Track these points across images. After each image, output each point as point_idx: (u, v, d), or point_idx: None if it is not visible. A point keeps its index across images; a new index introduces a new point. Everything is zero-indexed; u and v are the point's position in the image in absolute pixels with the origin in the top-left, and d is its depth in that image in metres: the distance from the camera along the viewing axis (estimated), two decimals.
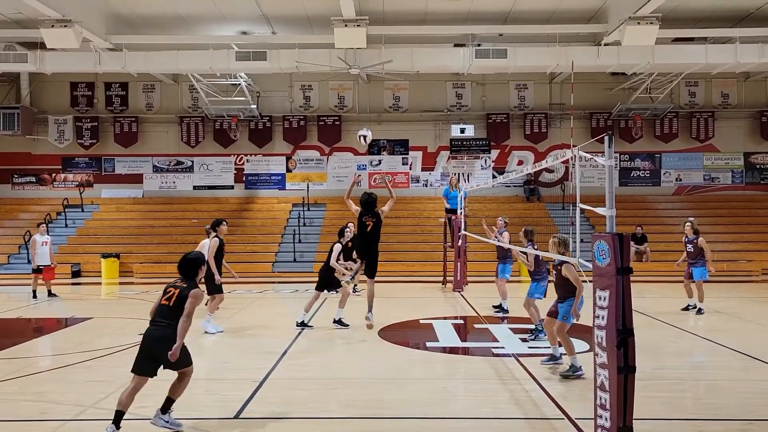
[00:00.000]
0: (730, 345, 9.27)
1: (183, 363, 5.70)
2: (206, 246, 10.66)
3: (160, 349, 5.56)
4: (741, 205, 24.90)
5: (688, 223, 12.83)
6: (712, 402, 6.73)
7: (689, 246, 12.67)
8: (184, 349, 5.70)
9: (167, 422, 5.78)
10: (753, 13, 18.98)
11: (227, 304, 13.77)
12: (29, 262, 15.34)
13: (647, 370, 7.56)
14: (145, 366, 5.66)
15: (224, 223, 10.84)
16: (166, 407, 5.81)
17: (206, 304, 10.33)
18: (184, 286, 5.75)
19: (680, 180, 25.84)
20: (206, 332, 10.29)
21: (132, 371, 5.69)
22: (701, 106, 25.74)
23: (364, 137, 10.47)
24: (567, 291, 7.58)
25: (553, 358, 8.07)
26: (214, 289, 10.52)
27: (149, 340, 5.68)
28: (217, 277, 10.44)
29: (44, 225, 16.43)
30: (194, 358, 7.74)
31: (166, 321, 5.66)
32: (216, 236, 10.61)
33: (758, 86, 25.61)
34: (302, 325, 10.86)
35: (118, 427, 5.49)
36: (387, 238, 23.09)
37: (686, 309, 12.66)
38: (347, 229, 12.45)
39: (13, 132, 24.48)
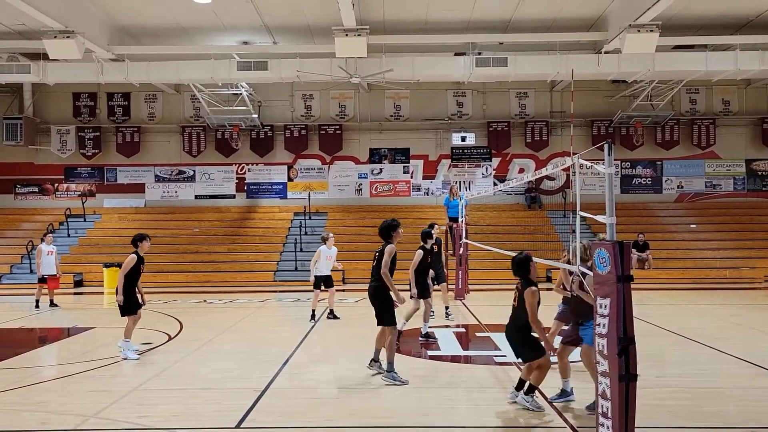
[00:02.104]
0: (733, 352, 9.24)
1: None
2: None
3: None
4: (743, 212, 24.88)
5: None
6: (715, 410, 6.70)
7: None
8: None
9: (528, 402, 6.45)
10: (753, 21, 19.02)
11: (229, 314, 13.79)
12: (32, 272, 15.34)
13: (649, 378, 7.54)
14: None
15: (147, 239, 9.76)
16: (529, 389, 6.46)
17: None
18: None
19: (682, 187, 25.84)
20: (125, 359, 9.18)
21: None
22: (702, 113, 25.77)
23: None
24: (587, 310, 6.19)
25: (565, 394, 6.92)
26: (126, 310, 9.46)
27: None
28: (118, 297, 9.35)
29: (50, 235, 16.47)
30: (196, 368, 7.77)
31: None
32: (135, 252, 9.60)
33: (759, 93, 25.65)
34: (426, 336, 10.68)
35: None
36: None
37: None
38: (433, 230, 11.73)
39: (16, 142, 24.60)
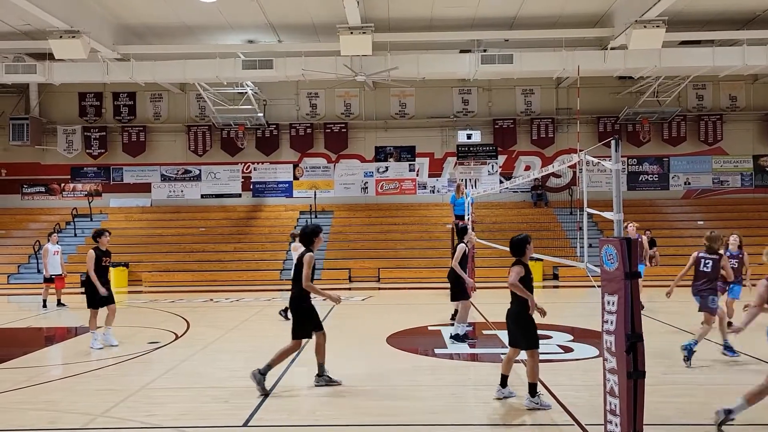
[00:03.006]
0: (741, 349, 9.18)
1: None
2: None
3: None
4: (751, 208, 24.76)
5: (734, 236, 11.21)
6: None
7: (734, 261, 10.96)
8: None
9: (537, 404, 6.44)
10: (760, 15, 18.91)
11: (235, 313, 13.81)
12: (39, 271, 15.41)
13: (657, 375, 7.51)
14: None
15: (106, 234, 10.29)
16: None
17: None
18: None
19: (689, 183, 25.73)
20: (92, 348, 9.83)
21: None
22: (709, 109, 25.64)
23: None
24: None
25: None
26: (95, 303, 10.05)
27: None
28: (101, 289, 9.92)
29: (55, 234, 16.50)
30: (203, 367, 7.79)
31: None
32: (97, 247, 10.12)
33: (766, 88, 25.50)
34: (458, 338, 10.18)
35: None
36: (394, 245, 23.19)
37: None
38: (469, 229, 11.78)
39: (23, 142, 24.71)
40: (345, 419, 6.32)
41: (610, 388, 4.92)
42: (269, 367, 7.25)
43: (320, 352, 7.54)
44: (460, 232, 10.85)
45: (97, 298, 10.03)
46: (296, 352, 7.73)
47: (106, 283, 10.17)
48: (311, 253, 7.37)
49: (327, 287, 15.45)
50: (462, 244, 10.78)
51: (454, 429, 6.07)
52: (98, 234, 10.30)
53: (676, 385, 7.43)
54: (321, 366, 7.59)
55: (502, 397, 6.84)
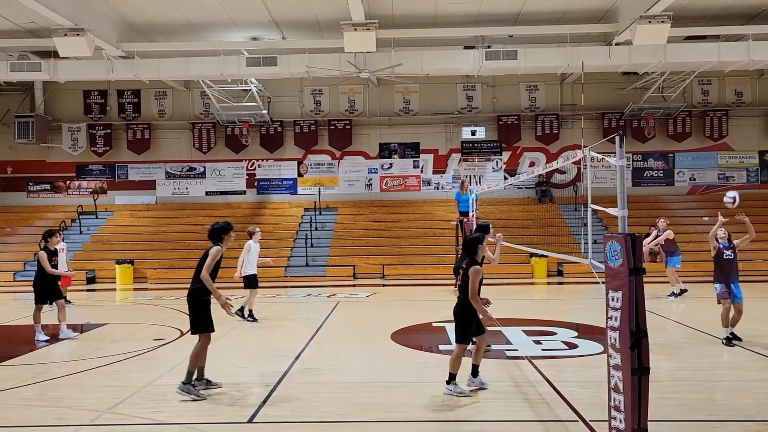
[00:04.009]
0: (745, 345, 9.17)
1: None
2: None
3: None
4: (756, 204, 24.62)
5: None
6: (728, 403, 6.66)
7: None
8: None
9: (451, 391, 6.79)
10: (765, 10, 18.80)
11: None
12: None
13: (662, 372, 7.50)
14: None
15: (57, 233, 11.09)
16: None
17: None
18: None
19: (694, 179, 25.66)
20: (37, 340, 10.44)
21: None
22: (715, 105, 25.55)
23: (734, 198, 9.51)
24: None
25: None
26: (43, 299, 10.81)
27: None
28: (57, 271, 10.87)
29: (60, 232, 16.50)
30: (207, 363, 7.81)
31: None
32: (46, 247, 10.86)
33: None
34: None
35: None
36: (399, 241, 23.20)
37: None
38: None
39: (28, 140, 24.79)
40: (350, 415, 6.34)
41: (614, 384, 4.92)
42: (190, 374, 7.06)
43: (201, 355, 7.17)
44: (481, 229, 9.86)
45: (43, 293, 10.73)
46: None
47: (53, 281, 10.90)
48: (218, 248, 7.23)
49: (331, 283, 15.53)
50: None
51: (458, 425, 6.08)
52: (49, 234, 10.99)
53: (680, 381, 7.42)
54: (201, 370, 7.21)
55: (474, 387, 7.06)
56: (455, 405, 6.66)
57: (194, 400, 6.80)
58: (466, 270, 7.01)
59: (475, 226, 9.71)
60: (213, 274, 7.20)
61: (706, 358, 8.88)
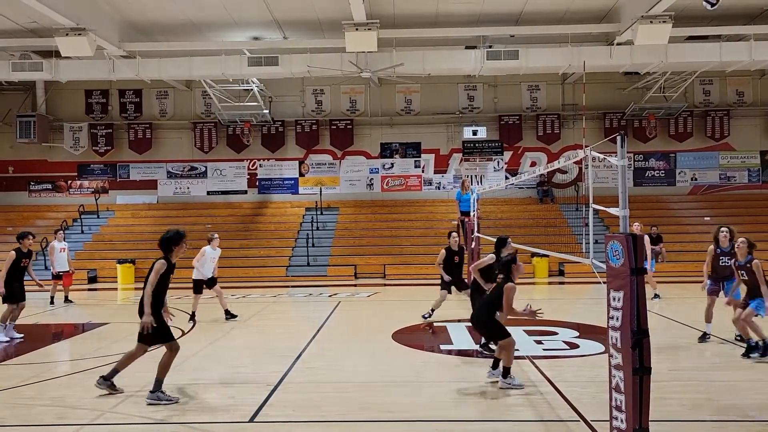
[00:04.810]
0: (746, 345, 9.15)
1: None
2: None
3: None
4: (758, 204, 24.65)
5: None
6: (730, 403, 6.65)
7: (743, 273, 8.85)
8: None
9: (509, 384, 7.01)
10: (767, 10, 18.78)
11: (242, 309, 13.83)
12: (46, 268, 15.51)
13: (663, 371, 7.49)
14: None
15: (29, 236, 11.31)
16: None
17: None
18: None
19: (696, 179, 25.64)
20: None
21: None
22: (716, 105, 25.53)
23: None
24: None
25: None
26: (6, 298, 10.84)
27: None
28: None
29: (61, 231, 16.54)
30: (208, 363, 7.84)
31: None
32: (18, 248, 11.03)
33: None
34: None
35: None
36: (400, 241, 23.19)
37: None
38: (450, 238, 12.38)
39: (30, 140, 24.79)
40: (351, 415, 6.34)
41: (615, 384, 4.92)
42: (113, 372, 7.07)
43: (166, 366, 6.85)
44: (499, 243, 9.02)
45: (12, 293, 10.77)
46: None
47: (21, 284, 10.97)
48: (163, 261, 6.97)
49: (333, 283, 15.46)
50: (492, 255, 9.13)
51: (458, 424, 6.08)
52: (22, 236, 11.24)
53: (682, 381, 7.41)
54: (159, 382, 6.78)
55: (494, 378, 7.32)
56: (456, 405, 6.67)
57: (167, 405, 6.61)
58: (500, 285, 7.31)
59: (496, 241, 9.04)
60: (164, 287, 7.01)
61: (707, 358, 8.88)
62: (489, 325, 7.41)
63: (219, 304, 12.56)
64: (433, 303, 12.02)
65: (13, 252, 10.98)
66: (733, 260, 9.08)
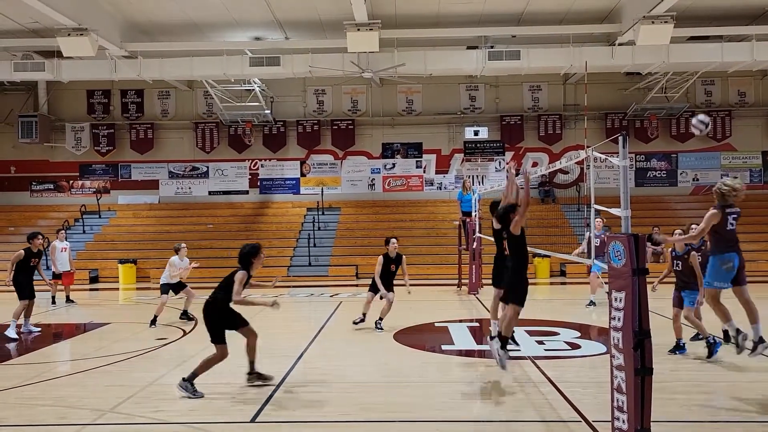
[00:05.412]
0: (748, 345, 9.12)
1: None
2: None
3: None
4: (760, 205, 24.58)
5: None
6: (732, 404, 6.64)
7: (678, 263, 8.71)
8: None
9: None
10: None
11: (243, 309, 13.82)
12: (48, 268, 15.53)
13: (665, 372, 7.48)
14: None
15: (39, 236, 11.69)
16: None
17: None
18: None
19: (697, 180, 25.61)
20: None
21: None
22: (718, 105, 25.50)
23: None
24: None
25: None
26: (20, 295, 11.23)
27: None
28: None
29: (63, 231, 16.55)
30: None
31: None
32: (28, 248, 11.44)
33: None
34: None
35: None
36: (401, 241, 23.03)
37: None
38: (390, 244, 12.25)
39: (32, 140, 24.82)
40: (352, 415, 6.34)
41: (617, 385, 4.92)
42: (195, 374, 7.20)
43: (207, 366, 7.25)
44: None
45: (25, 290, 11.17)
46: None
47: (30, 282, 11.31)
48: (245, 272, 7.63)
49: (334, 283, 15.39)
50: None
51: (460, 425, 6.08)
52: (32, 236, 11.64)
53: (684, 381, 7.40)
54: (194, 375, 7.17)
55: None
56: (457, 406, 6.67)
57: (191, 397, 6.87)
58: (509, 239, 7.79)
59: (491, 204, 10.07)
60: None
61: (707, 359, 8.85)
62: (518, 287, 7.54)
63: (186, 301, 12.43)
64: (363, 307, 11.43)
65: (22, 251, 11.39)
66: (670, 249, 8.74)
